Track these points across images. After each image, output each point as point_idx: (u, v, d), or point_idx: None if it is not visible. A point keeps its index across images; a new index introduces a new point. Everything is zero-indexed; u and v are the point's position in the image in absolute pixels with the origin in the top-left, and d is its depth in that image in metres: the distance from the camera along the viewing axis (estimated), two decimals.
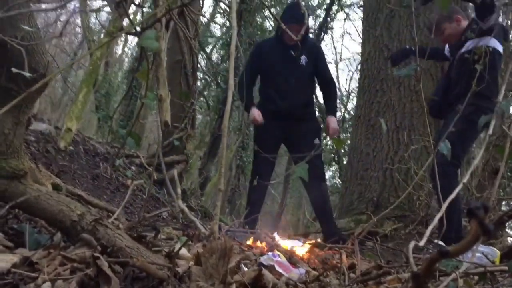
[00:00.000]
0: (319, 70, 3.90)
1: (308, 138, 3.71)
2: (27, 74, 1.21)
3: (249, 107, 3.82)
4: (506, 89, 6.26)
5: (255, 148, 3.93)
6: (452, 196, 1.01)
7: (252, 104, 3.82)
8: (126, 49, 17.70)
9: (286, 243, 2.96)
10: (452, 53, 3.68)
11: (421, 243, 0.72)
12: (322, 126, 4.04)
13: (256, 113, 3.75)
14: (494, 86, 3.26)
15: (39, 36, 2.50)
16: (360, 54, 7.31)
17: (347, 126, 10.67)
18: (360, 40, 6.84)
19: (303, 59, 3.81)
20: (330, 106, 3.95)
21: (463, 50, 3.45)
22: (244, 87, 3.95)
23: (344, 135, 10.43)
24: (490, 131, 1.50)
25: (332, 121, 3.78)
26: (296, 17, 3.68)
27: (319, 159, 3.93)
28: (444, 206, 0.96)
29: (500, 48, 3.35)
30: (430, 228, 0.83)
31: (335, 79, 4.14)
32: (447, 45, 3.78)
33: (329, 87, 3.97)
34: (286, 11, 3.83)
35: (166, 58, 4.73)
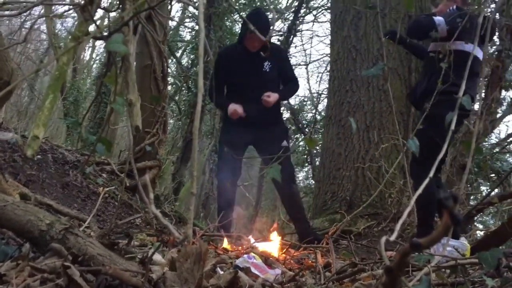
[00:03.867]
0: (283, 71, 3.87)
1: (276, 141, 3.74)
2: None
3: (225, 106, 3.77)
4: None
5: (220, 149, 3.92)
6: (419, 191, 1.03)
7: (228, 102, 3.77)
8: (94, 55, 17.42)
9: (262, 245, 2.96)
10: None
11: (392, 237, 0.73)
12: (289, 127, 4.02)
13: (235, 106, 3.67)
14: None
15: (2, 43, 2.43)
16: (329, 55, 7.40)
17: (319, 126, 10.76)
18: (329, 42, 6.91)
19: (267, 65, 3.78)
20: (283, 88, 3.91)
21: (429, 49, 3.50)
22: (214, 93, 3.94)
23: (316, 136, 10.52)
24: (452, 127, 1.54)
25: (273, 94, 3.69)
26: (258, 27, 3.65)
27: (288, 161, 3.95)
28: (412, 201, 0.98)
29: (469, 49, 3.29)
30: (400, 222, 0.84)
31: (303, 81, 4.08)
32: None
33: (290, 82, 3.94)
34: (249, 19, 3.79)
35: (135, 63, 4.68)
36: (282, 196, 4.02)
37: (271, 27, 3.89)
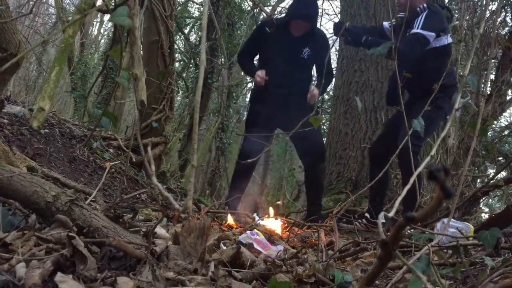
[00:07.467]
0: (321, 60, 3.76)
1: (304, 117, 3.61)
2: None
3: (254, 73, 3.70)
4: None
5: (246, 130, 3.86)
6: (420, 169, 1.03)
7: (257, 69, 3.70)
8: (102, 30, 17.35)
9: (266, 223, 2.98)
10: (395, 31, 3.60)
11: (391, 214, 0.73)
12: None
13: (260, 73, 3.60)
14: (452, 76, 3.43)
15: (9, 14, 2.42)
16: None
17: (326, 106, 10.71)
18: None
19: (306, 51, 3.69)
20: (320, 83, 3.77)
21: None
22: (243, 55, 3.93)
23: (324, 115, 10.49)
24: (456, 105, 1.54)
25: (315, 90, 3.67)
26: (303, 13, 3.57)
27: (319, 137, 3.85)
28: (412, 179, 0.99)
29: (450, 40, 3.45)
30: (399, 199, 0.84)
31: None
32: (386, 24, 3.76)
33: (326, 76, 3.84)
34: (294, 5, 3.69)
35: (142, 38, 4.65)
36: (307, 171, 3.93)
37: (316, 16, 3.76)
